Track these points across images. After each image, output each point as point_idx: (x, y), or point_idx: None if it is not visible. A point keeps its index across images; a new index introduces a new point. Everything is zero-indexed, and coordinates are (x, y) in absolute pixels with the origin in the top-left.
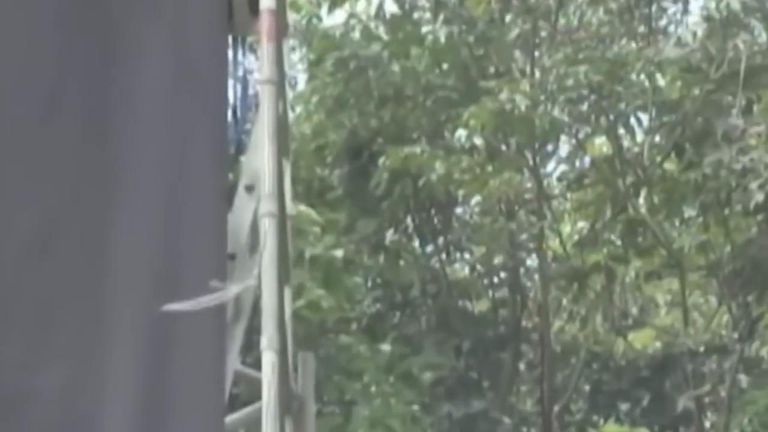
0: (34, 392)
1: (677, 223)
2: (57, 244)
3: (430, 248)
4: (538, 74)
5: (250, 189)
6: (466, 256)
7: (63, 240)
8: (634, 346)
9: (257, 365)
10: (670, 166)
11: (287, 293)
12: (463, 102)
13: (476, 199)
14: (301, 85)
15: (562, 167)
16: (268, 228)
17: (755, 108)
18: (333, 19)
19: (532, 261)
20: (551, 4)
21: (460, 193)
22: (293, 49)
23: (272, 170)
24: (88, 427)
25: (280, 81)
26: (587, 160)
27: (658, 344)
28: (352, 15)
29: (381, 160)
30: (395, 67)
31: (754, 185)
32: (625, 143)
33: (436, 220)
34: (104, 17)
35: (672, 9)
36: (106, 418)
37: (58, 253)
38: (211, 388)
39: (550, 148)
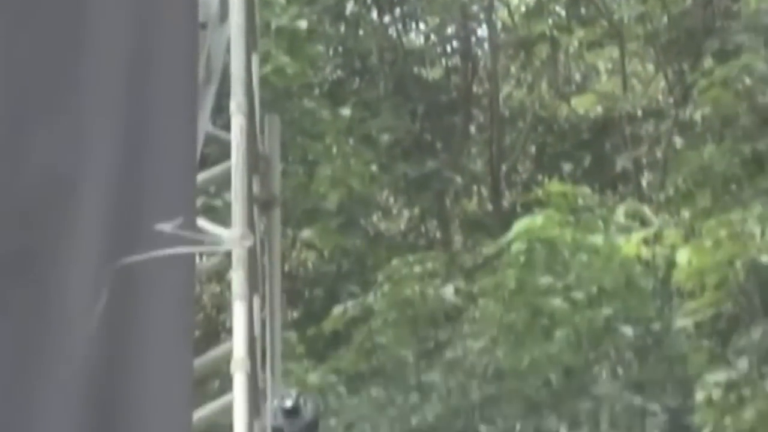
0: (14, 152)
1: None
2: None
3: (387, 18)
4: None
5: None
6: (422, 26)
7: (39, 18)
8: (577, 111)
9: (227, 127)
10: None
11: (254, 60)
12: None
13: None
14: None
15: None
16: None
17: None
18: None
19: (482, 31)
20: None
21: None
22: None
23: None
24: (68, 191)
25: None
26: None
27: (599, 108)
28: None
29: None
30: None
31: None
32: None
33: None
34: None
35: None
36: (86, 185)
37: (37, 25)
38: (184, 144)
39: None
